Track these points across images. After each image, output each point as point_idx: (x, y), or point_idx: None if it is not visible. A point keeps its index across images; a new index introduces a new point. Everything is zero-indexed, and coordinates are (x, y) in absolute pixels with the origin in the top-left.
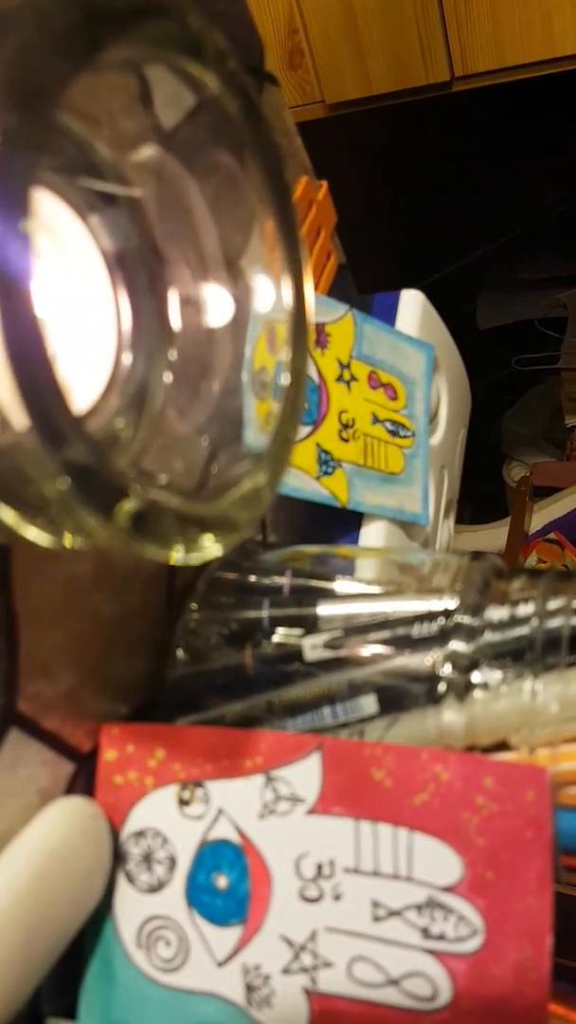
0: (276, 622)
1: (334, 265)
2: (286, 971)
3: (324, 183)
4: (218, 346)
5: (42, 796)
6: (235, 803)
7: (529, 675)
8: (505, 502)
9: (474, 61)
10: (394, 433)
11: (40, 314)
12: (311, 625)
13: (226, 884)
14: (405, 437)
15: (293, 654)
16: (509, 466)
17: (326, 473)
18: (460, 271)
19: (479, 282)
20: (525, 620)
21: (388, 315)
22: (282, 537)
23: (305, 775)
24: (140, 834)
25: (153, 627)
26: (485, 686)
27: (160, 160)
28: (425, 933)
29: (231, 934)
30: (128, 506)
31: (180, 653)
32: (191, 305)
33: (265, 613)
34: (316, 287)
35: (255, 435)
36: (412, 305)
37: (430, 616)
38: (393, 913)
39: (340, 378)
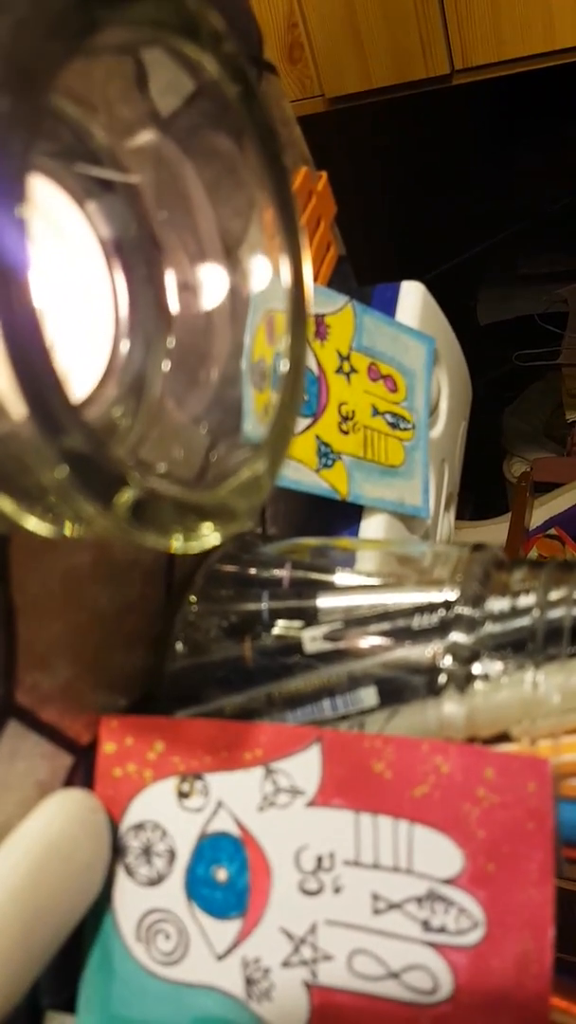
0: (276, 614)
1: (334, 256)
2: (286, 964)
3: (323, 173)
4: (217, 334)
5: (40, 789)
6: (234, 795)
7: (530, 666)
8: (505, 498)
9: (474, 54)
10: (394, 426)
11: (37, 301)
12: (311, 617)
13: (225, 877)
14: (405, 430)
15: (293, 646)
16: (510, 462)
17: (326, 466)
18: (460, 267)
19: (479, 278)
20: (526, 611)
21: (388, 307)
22: (282, 530)
23: (305, 767)
24: (139, 827)
25: (152, 620)
26: (486, 677)
27: (158, 145)
28: (426, 926)
29: (231, 927)
30: (127, 494)
31: (179, 646)
32: (189, 291)
33: (265, 605)
34: (316, 278)
35: (254, 426)
36: (412, 296)
37: (430, 607)
38: (393, 906)
39: (340, 370)
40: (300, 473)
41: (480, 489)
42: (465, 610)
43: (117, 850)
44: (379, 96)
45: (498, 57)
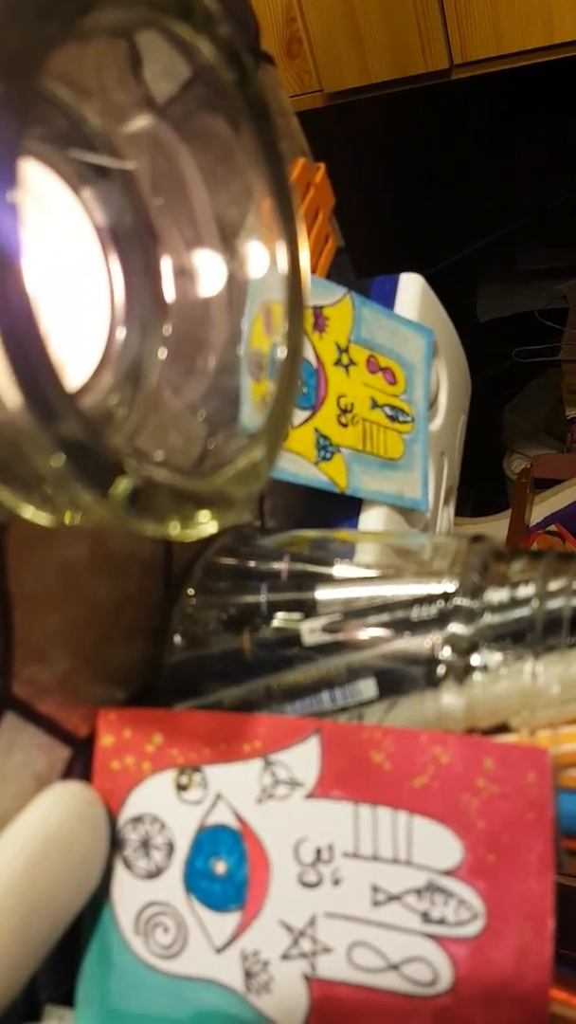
0: (274, 607)
1: (332, 248)
2: (285, 957)
3: (321, 165)
4: (214, 321)
5: (38, 781)
6: (233, 788)
7: (530, 656)
8: (506, 495)
9: (473, 48)
10: (393, 418)
11: (32, 288)
12: (309, 609)
13: (224, 869)
14: (404, 422)
15: (291, 638)
16: (510, 458)
17: (325, 458)
18: (459, 263)
19: (479, 274)
20: (525, 601)
21: (387, 299)
22: (280, 523)
23: (304, 759)
24: (138, 820)
25: (150, 613)
26: (485, 668)
27: (153, 131)
28: (425, 917)
29: (229, 920)
30: (124, 483)
31: (177, 638)
32: (185, 278)
33: (263, 598)
34: (314, 269)
35: (251, 414)
36: (411, 288)
37: (429, 599)
38: (393, 897)
39: (338, 362)
40: (299, 466)
41: (480, 486)
42: (464, 601)
43: (115, 843)
44: (378, 91)
45: (497, 51)
